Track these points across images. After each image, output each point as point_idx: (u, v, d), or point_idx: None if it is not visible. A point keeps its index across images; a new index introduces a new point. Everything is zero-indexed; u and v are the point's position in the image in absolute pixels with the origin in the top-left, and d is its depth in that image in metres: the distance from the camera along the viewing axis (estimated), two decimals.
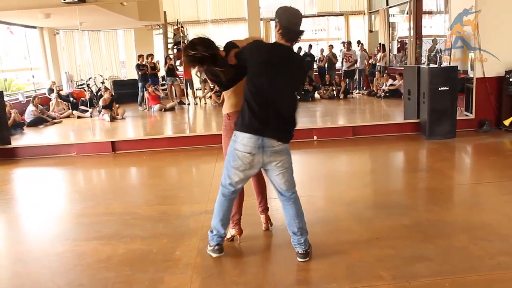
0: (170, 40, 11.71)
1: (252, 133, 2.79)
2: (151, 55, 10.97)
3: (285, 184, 2.96)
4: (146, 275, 2.96)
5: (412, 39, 10.51)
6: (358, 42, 11.58)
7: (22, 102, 9.74)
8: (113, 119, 9.44)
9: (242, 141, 2.81)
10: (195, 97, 11.16)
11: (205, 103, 11.05)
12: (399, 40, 11.83)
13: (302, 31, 2.83)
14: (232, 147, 2.89)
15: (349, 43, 11.55)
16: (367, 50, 11.72)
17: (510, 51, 6.85)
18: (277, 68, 2.79)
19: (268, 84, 2.78)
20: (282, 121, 2.85)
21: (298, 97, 10.52)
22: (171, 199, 4.64)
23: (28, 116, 9.23)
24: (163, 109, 10.23)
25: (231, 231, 3.36)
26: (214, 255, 3.13)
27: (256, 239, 3.42)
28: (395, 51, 11.85)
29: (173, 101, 10.73)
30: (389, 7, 11.84)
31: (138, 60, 10.87)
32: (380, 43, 11.40)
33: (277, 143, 2.83)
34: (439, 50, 8.50)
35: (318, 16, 12.71)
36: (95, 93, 10.93)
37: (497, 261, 2.90)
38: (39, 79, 11.58)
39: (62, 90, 11.24)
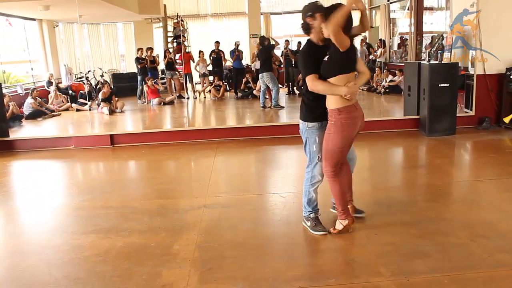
0: (170, 34, 11.68)
1: None
2: (151, 49, 10.93)
3: None
4: (144, 269, 2.95)
5: (412, 35, 10.48)
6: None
7: (21, 94, 9.70)
8: (112, 112, 9.41)
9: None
10: (194, 91, 11.14)
11: (204, 97, 11.04)
12: (399, 36, 11.80)
13: None
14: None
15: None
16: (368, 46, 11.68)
17: (511, 50, 6.83)
18: None
19: None
20: None
21: (297, 92, 10.64)
22: (169, 193, 4.62)
23: (26, 109, 9.20)
24: (162, 103, 10.20)
25: (342, 222, 3.32)
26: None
27: (254, 234, 3.42)
28: (395, 47, 11.82)
29: (172, 95, 10.70)
30: (390, 3, 11.80)
31: (138, 53, 10.82)
32: (380, 39, 11.36)
33: None
34: (440, 47, 8.47)
35: None
36: (94, 86, 10.90)
37: (496, 258, 2.89)
38: (38, 71, 11.54)
39: (61, 82, 11.21)
